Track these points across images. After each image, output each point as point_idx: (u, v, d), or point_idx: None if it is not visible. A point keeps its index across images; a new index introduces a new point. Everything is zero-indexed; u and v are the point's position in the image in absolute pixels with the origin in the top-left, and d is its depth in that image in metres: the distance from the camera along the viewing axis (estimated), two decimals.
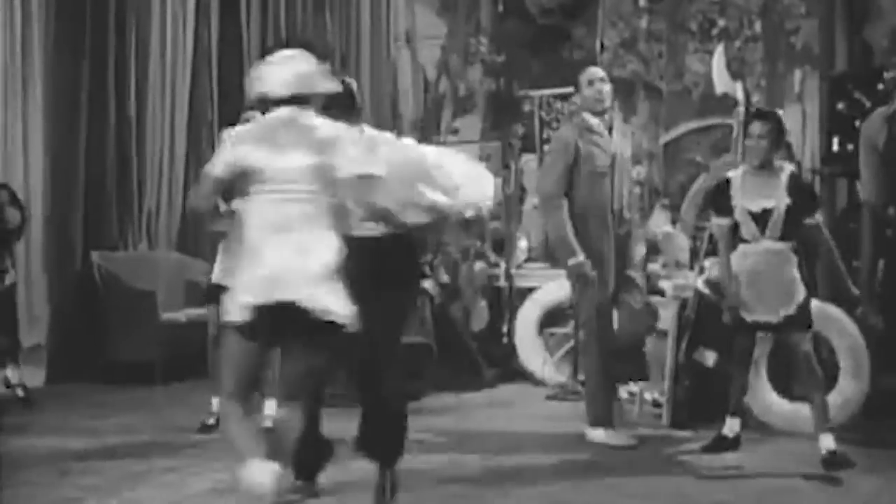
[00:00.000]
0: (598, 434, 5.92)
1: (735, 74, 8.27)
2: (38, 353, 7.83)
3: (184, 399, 7.18)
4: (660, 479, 5.18)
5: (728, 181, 5.56)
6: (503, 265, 8.80)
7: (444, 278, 7.07)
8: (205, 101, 9.09)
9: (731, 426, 5.67)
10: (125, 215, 8.70)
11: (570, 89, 7.53)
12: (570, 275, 5.91)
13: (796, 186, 5.46)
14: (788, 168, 5.56)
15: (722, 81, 8.16)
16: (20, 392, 7.07)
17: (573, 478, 5.17)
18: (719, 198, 5.60)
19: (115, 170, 8.66)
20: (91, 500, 4.77)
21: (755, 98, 8.29)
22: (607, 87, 5.96)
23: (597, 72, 6.09)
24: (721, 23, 8.71)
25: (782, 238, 5.41)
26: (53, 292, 8.21)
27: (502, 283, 8.75)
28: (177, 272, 8.42)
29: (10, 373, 7.11)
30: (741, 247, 5.50)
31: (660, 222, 8.17)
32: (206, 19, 8.76)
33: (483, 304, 8.32)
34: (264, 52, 8.85)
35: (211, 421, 6.22)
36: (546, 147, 7.70)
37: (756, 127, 5.47)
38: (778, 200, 5.38)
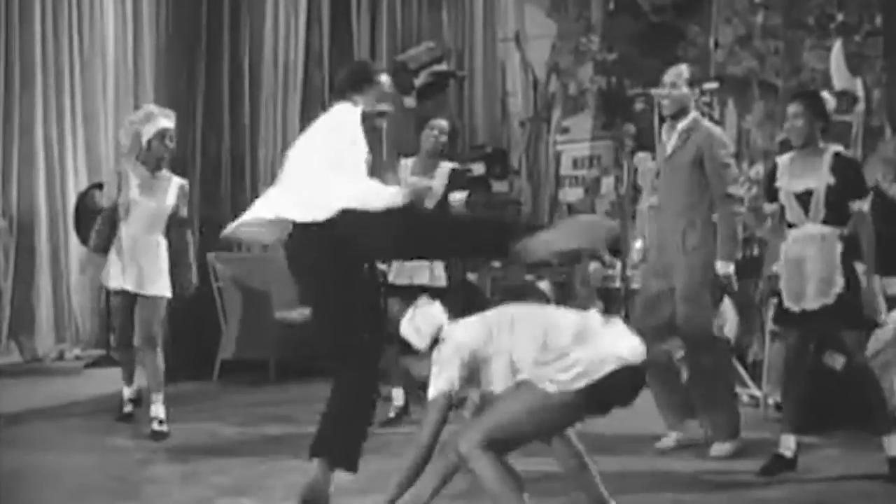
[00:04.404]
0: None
1: (854, 70, 8.08)
2: None
3: (300, 397, 7.21)
4: None
5: (776, 166, 5.30)
6: (618, 266, 8.69)
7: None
8: (316, 103, 9.12)
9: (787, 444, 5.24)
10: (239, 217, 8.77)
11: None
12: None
13: (840, 167, 5.07)
14: (833, 148, 5.18)
15: (841, 77, 7.96)
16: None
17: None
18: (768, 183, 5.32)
19: (229, 172, 8.75)
20: (222, 499, 4.80)
21: (876, 94, 8.07)
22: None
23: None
24: (839, 17, 8.47)
25: (825, 222, 5.07)
26: None
27: (617, 284, 8.64)
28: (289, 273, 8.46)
29: None
30: (789, 232, 5.18)
31: None
32: (317, 22, 8.79)
33: (600, 305, 8.21)
34: (374, 52, 8.92)
35: (392, 414, 6.33)
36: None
37: (790, 107, 5.17)
38: (819, 181, 5.05)
